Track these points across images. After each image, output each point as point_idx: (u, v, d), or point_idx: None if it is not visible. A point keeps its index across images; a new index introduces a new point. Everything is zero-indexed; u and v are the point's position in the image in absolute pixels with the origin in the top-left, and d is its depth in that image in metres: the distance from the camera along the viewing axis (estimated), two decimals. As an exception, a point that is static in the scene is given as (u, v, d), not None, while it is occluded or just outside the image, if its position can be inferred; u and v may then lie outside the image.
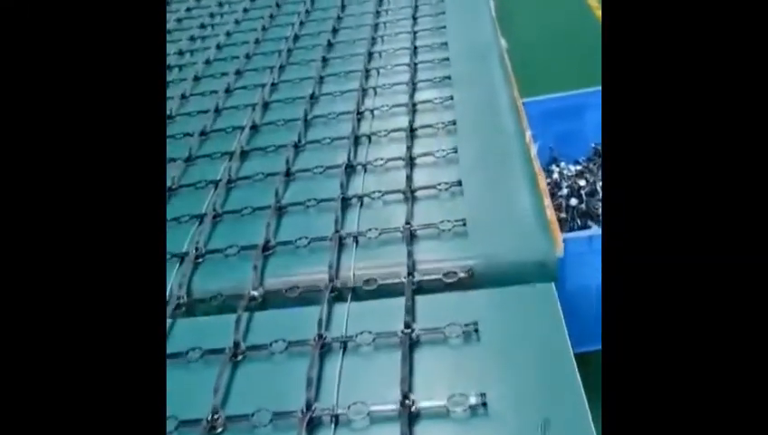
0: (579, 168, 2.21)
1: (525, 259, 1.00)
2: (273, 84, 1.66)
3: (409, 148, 1.28)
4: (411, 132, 1.34)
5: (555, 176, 2.22)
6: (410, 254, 1.02)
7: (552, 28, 3.69)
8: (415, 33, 1.80)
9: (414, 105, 1.44)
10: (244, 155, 1.39)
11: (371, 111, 1.46)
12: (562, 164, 2.27)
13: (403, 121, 1.38)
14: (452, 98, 1.43)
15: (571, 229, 1.97)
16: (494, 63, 1.55)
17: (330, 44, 1.84)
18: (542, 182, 1.16)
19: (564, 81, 2.47)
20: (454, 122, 1.34)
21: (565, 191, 2.05)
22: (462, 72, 1.54)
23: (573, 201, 1.99)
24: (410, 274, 0.99)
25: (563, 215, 2.00)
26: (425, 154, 1.26)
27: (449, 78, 1.52)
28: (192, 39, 2.08)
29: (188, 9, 2.36)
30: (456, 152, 1.25)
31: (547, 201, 1.24)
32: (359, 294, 1.00)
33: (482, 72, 1.53)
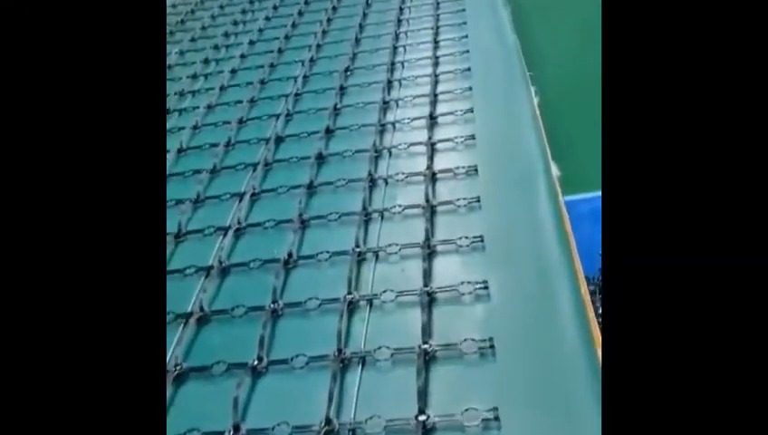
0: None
1: None
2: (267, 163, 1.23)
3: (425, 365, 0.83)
4: (425, 346, 0.89)
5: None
6: None
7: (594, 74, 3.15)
8: (432, 145, 1.34)
9: (430, 295, 0.98)
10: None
11: (368, 300, 1.01)
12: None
13: (412, 323, 0.93)
14: (486, 287, 0.97)
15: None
16: (546, 220, 1.09)
17: (321, 159, 1.39)
18: None
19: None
20: (491, 343, 0.88)
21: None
22: (500, 240, 1.08)
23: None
24: None
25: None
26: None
27: (481, 244, 1.06)
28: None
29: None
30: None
31: None
32: None
33: (529, 238, 1.07)
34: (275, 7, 2.33)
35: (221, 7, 2.46)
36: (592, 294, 1.86)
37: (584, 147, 2.56)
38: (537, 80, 1.57)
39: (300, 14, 2.21)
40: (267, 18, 2.25)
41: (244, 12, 2.37)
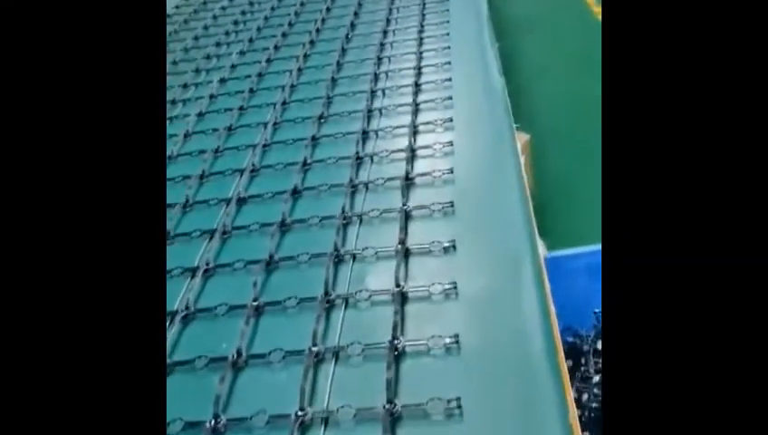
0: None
1: None
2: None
3: None
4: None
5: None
6: None
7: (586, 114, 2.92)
8: (407, 213, 1.20)
9: (393, 414, 0.84)
10: None
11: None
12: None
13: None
14: (459, 406, 0.84)
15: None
16: (532, 317, 0.95)
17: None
18: None
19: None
20: None
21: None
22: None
23: None
24: None
25: None
26: None
27: (456, 345, 0.92)
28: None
29: (205, 27, 2.38)
30: None
31: None
32: None
33: (511, 334, 0.93)
34: (259, 29, 2.26)
35: (205, 28, 2.38)
36: (587, 353, 1.73)
37: (577, 190, 2.43)
38: (529, 118, 1.43)
39: (276, 48, 2.08)
40: (251, 40, 2.18)
41: (227, 33, 2.30)
